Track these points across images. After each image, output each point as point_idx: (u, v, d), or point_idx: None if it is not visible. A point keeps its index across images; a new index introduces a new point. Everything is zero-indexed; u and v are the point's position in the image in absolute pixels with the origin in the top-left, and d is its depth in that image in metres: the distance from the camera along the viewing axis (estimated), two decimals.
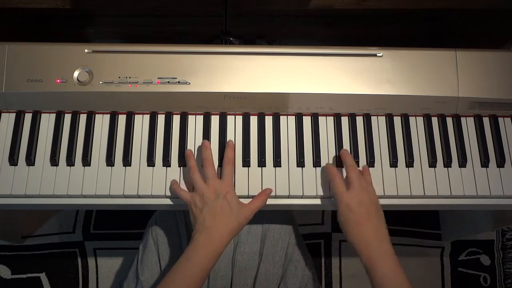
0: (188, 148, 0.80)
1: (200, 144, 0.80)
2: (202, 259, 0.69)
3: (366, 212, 0.72)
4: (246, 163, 0.79)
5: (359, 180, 0.75)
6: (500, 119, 0.84)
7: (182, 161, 0.79)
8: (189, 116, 0.82)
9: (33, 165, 0.78)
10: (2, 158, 0.78)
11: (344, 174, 0.78)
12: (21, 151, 0.79)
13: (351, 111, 0.83)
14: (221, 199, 0.72)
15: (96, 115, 0.81)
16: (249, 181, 0.79)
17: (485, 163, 0.81)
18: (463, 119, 0.84)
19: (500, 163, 0.81)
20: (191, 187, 0.77)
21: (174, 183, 0.77)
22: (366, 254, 0.70)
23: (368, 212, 0.72)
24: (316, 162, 0.80)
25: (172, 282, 0.69)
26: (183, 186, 0.78)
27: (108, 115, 0.81)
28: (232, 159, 0.77)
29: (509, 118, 0.85)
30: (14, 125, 0.80)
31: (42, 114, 0.81)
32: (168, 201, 0.78)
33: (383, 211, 0.75)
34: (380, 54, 0.80)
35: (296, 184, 0.79)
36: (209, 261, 0.70)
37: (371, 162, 0.80)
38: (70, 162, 0.78)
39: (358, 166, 0.80)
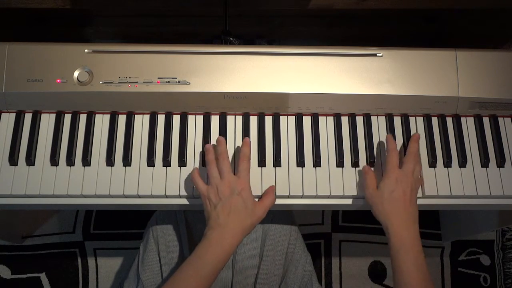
0: (188, 148, 0.80)
1: (199, 144, 0.80)
2: (214, 257, 0.69)
3: (410, 195, 0.73)
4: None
5: (414, 167, 0.75)
6: (500, 119, 0.84)
7: (182, 161, 0.79)
8: (189, 116, 0.82)
9: (33, 165, 0.78)
10: (2, 158, 0.78)
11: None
12: (21, 151, 0.79)
13: (351, 111, 0.83)
14: (236, 195, 0.71)
15: (96, 115, 0.81)
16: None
17: (485, 163, 0.81)
18: (463, 119, 0.84)
19: (500, 163, 0.81)
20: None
21: (196, 171, 0.75)
22: (398, 230, 0.71)
23: (412, 196, 0.73)
24: (316, 162, 0.80)
25: (181, 280, 0.68)
26: (182, 186, 0.78)
27: (108, 115, 0.81)
28: (247, 156, 0.76)
29: (509, 118, 0.85)
30: (14, 125, 0.80)
31: (42, 114, 0.81)
32: (168, 201, 0.78)
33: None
34: (380, 54, 0.80)
35: (296, 184, 0.79)
36: (221, 259, 0.69)
37: (371, 162, 0.80)
38: (70, 162, 0.78)
39: (358, 166, 0.80)
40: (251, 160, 0.79)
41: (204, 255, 0.69)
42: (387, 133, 0.82)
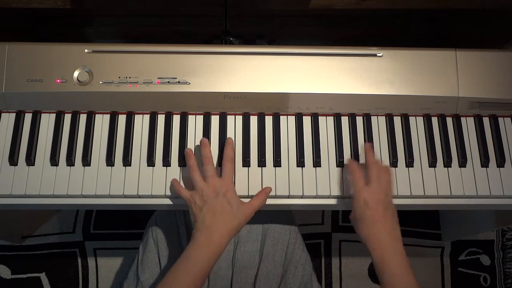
0: (188, 147, 0.80)
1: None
2: (202, 258, 0.69)
3: (382, 211, 0.72)
4: (246, 163, 0.79)
5: (379, 178, 0.74)
6: (500, 119, 0.84)
7: (182, 161, 0.79)
8: (189, 116, 0.82)
9: (33, 165, 0.78)
10: (2, 158, 0.78)
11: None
12: (21, 151, 0.79)
13: (351, 111, 0.83)
14: (221, 197, 0.72)
15: (96, 115, 0.81)
16: (249, 181, 0.79)
17: (485, 163, 0.81)
18: (463, 119, 0.84)
19: (500, 163, 0.81)
20: (191, 186, 0.77)
21: (174, 181, 0.77)
22: (379, 252, 0.70)
23: (385, 211, 0.72)
24: (316, 162, 0.80)
25: (172, 281, 0.68)
26: (183, 185, 0.78)
27: (108, 115, 0.81)
28: (231, 157, 0.77)
29: (509, 118, 0.85)
30: (14, 125, 0.80)
31: (42, 114, 0.81)
32: (168, 201, 0.78)
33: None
34: (380, 54, 0.80)
35: (296, 184, 0.79)
36: (210, 260, 0.70)
37: None
38: (70, 162, 0.78)
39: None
40: (251, 161, 0.80)
41: (193, 256, 0.69)
42: (387, 133, 0.82)
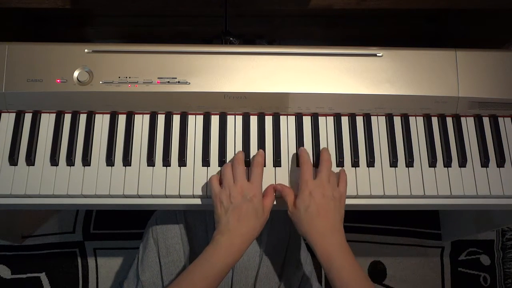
0: (188, 148, 0.80)
1: (199, 143, 0.80)
2: (222, 261, 0.69)
3: (326, 205, 0.71)
4: (246, 163, 0.79)
5: (328, 174, 0.74)
6: (500, 119, 0.84)
7: (182, 161, 0.79)
8: (189, 116, 0.82)
9: (33, 165, 0.78)
10: (2, 158, 0.78)
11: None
12: (21, 151, 0.79)
13: (351, 111, 0.83)
14: (248, 201, 0.71)
15: (96, 115, 0.81)
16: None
17: (485, 163, 0.81)
18: (463, 119, 0.84)
19: (500, 163, 0.81)
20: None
21: (213, 177, 0.76)
22: (321, 245, 0.69)
23: (329, 206, 0.72)
24: (316, 162, 0.80)
25: (188, 281, 0.68)
26: (182, 186, 0.78)
27: (108, 115, 0.81)
28: (261, 163, 0.76)
29: (509, 118, 0.85)
30: (14, 125, 0.80)
31: (42, 114, 0.81)
32: (168, 201, 0.78)
33: (345, 211, 0.75)
34: (380, 54, 0.80)
35: (296, 184, 0.79)
36: (228, 264, 0.69)
37: (371, 162, 0.80)
38: (70, 162, 0.78)
39: (358, 166, 0.80)
40: (251, 160, 0.79)
41: (212, 258, 0.69)
42: (387, 133, 0.82)
